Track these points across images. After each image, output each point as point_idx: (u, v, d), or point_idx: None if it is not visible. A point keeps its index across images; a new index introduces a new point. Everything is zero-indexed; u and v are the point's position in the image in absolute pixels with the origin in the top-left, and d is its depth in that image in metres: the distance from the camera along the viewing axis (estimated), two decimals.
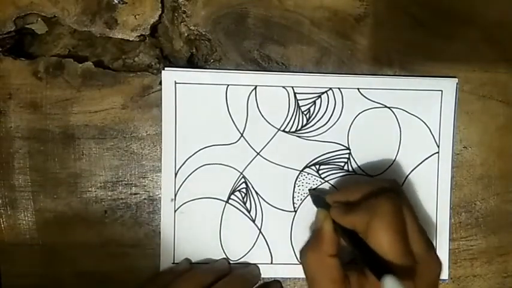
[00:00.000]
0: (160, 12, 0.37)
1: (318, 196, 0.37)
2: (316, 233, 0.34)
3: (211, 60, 0.38)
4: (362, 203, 0.32)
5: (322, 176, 0.38)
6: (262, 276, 0.38)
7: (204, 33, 0.38)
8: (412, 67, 0.38)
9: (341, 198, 0.34)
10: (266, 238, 0.38)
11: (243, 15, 0.38)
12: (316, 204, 0.37)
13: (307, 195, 0.38)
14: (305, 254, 0.33)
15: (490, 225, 0.40)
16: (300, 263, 0.35)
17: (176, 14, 0.38)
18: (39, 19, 0.37)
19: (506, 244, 0.40)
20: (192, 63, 0.38)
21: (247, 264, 0.38)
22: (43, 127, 0.37)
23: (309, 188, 0.38)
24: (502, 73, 0.39)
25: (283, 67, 0.38)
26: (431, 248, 0.32)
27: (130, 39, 0.38)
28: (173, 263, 0.38)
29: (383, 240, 0.29)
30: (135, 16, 0.37)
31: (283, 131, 0.38)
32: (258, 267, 0.38)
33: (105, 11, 0.37)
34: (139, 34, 0.37)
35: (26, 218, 0.38)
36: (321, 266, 0.32)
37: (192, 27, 0.38)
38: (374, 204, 0.31)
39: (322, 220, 0.33)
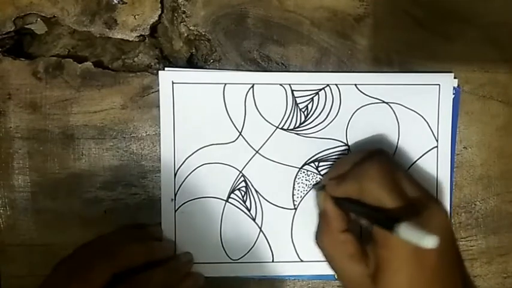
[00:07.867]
0: (159, 12, 0.37)
1: (317, 185, 0.38)
2: (321, 215, 0.35)
3: (211, 61, 0.38)
4: (349, 171, 0.33)
5: (322, 173, 0.38)
6: (263, 274, 0.38)
7: (203, 33, 0.38)
8: (411, 67, 0.38)
9: (334, 174, 0.35)
10: (267, 236, 0.38)
11: (243, 16, 0.38)
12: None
13: (307, 192, 0.38)
14: (318, 238, 0.34)
15: (490, 225, 0.40)
16: (318, 248, 0.35)
17: (176, 14, 0.38)
18: (39, 19, 0.37)
19: (506, 244, 0.40)
20: (191, 63, 0.38)
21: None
22: (43, 127, 0.37)
23: (309, 185, 0.38)
24: (502, 73, 0.39)
25: (283, 67, 0.38)
26: (430, 194, 0.32)
27: (130, 40, 0.38)
28: None
29: (379, 195, 0.30)
30: (134, 16, 0.37)
31: (282, 128, 0.38)
32: (190, 253, 0.38)
33: (105, 11, 0.37)
34: (138, 34, 0.37)
35: (26, 218, 0.38)
36: (336, 244, 0.33)
37: (191, 28, 0.38)
38: (360, 168, 0.32)
39: (323, 201, 0.34)
